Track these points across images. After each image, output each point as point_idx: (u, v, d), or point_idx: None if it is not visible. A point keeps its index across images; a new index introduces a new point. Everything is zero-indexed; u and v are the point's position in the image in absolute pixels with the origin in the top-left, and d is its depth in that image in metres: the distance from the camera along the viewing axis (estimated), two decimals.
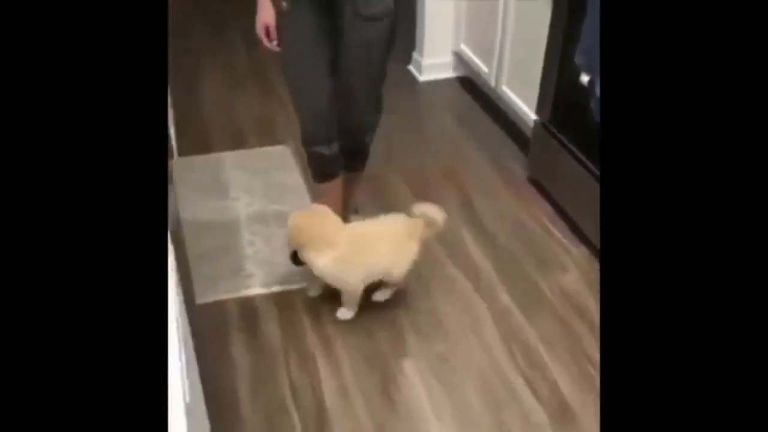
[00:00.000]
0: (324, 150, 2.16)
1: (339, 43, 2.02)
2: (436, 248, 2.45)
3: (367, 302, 2.21)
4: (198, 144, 2.99)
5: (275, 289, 2.27)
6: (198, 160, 2.88)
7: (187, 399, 1.05)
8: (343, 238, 2.08)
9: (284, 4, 1.97)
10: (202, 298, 2.22)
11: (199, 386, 1.45)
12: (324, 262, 2.06)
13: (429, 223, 2.13)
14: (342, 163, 2.25)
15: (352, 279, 2.10)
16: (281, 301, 2.24)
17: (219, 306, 2.21)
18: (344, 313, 2.18)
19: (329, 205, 2.23)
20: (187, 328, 1.33)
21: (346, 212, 2.40)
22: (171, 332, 0.92)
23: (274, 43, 2.08)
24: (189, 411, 1.03)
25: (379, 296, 2.21)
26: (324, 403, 1.92)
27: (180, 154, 2.81)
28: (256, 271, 2.33)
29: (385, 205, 2.65)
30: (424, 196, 2.70)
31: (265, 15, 2.05)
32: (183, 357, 1.10)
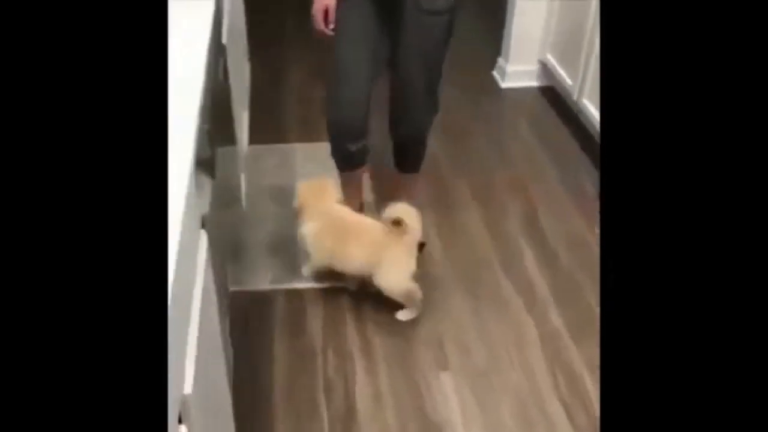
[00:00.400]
0: (351, 147, 2.17)
1: (397, 36, 2.00)
2: (492, 259, 2.41)
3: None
4: (273, 134, 3.04)
5: (325, 284, 2.28)
6: (270, 150, 2.94)
7: (188, 390, 1.06)
8: (328, 216, 2.15)
9: None
10: (254, 285, 2.26)
11: (222, 374, 1.47)
12: (304, 230, 2.17)
13: (403, 226, 2.06)
14: (366, 153, 2.26)
15: (316, 255, 2.18)
16: (329, 297, 2.25)
17: (268, 295, 2.25)
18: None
19: (351, 194, 2.26)
20: (214, 319, 1.35)
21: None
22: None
23: (330, 26, 2.06)
24: (186, 401, 1.05)
25: (401, 315, 2.17)
26: (355, 404, 1.92)
27: (253, 142, 2.87)
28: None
29: (444, 208, 2.63)
30: (486, 204, 2.67)
31: None
32: (193, 346, 1.12)
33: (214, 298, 1.36)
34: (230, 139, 1.88)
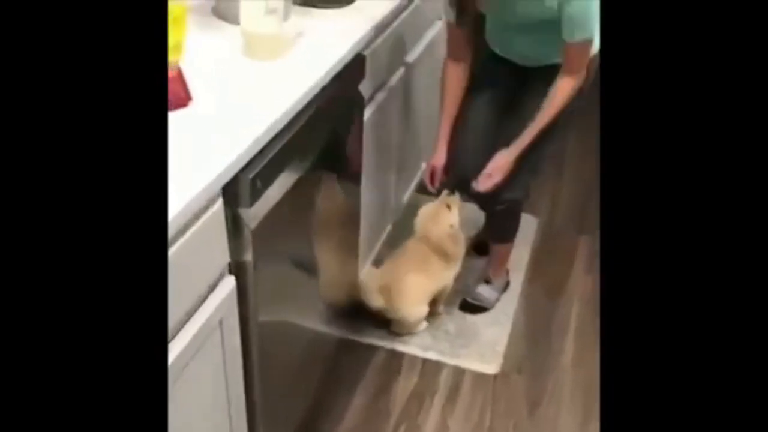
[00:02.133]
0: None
1: (519, 95, 2.04)
2: None
3: (507, 410, 2.02)
4: None
5: (429, 355, 2.18)
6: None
7: None
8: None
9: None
10: (360, 337, 2.23)
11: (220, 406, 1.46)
12: None
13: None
14: None
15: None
16: (427, 370, 2.14)
17: (370, 349, 2.20)
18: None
19: None
20: (237, 354, 1.35)
21: (476, 281, 2.38)
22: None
23: (436, 184, 2.14)
24: None
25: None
26: None
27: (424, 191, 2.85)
28: (423, 332, 2.26)
29: (592, 312, 2.38)
30: None
31: (438, 158, 2.10)
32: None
33: (227, 338, 1.34)
34: (354, 180, 1.89)
